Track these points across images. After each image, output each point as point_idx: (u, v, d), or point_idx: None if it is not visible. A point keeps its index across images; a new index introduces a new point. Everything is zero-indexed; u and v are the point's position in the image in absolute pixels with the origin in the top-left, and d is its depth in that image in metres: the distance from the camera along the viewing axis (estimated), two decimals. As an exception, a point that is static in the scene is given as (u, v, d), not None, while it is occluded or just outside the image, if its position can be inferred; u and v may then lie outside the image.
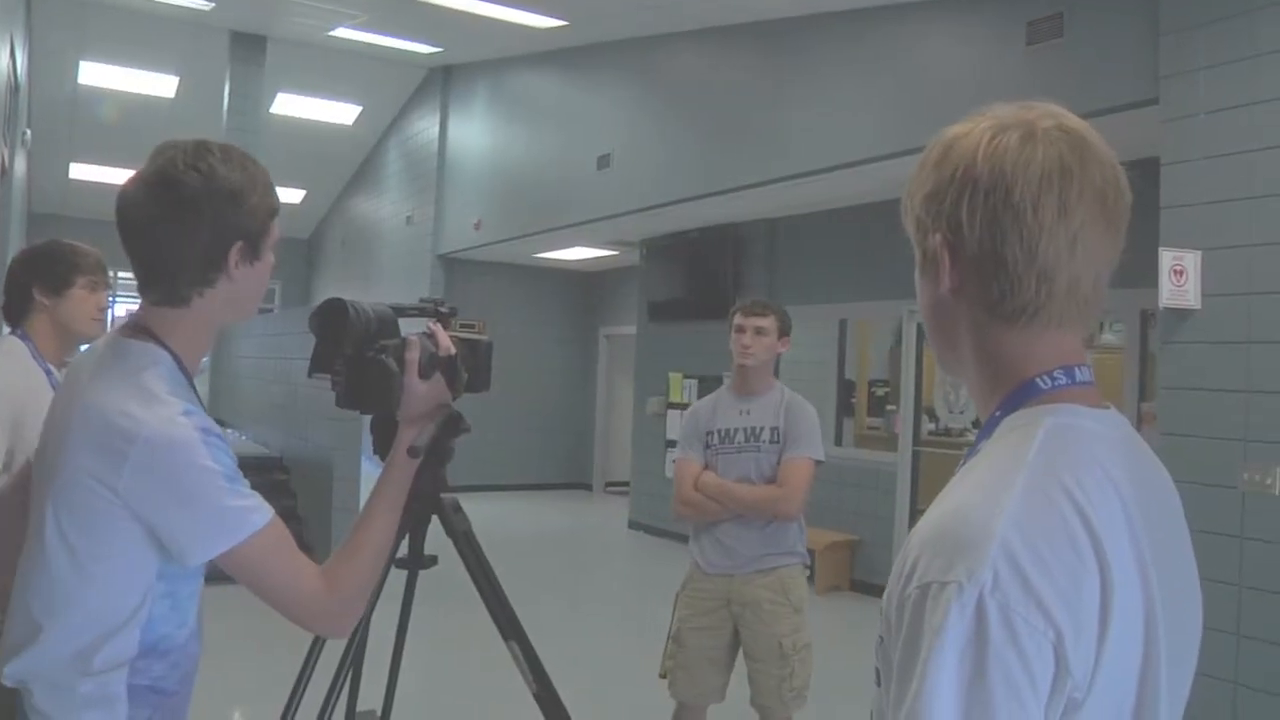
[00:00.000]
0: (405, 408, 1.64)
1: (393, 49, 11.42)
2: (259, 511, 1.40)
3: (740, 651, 3.43)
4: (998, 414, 0.98)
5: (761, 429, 3.40)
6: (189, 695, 1.53)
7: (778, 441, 3.38)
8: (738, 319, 3.48)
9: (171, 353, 1.46)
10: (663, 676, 3.47)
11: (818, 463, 3.38)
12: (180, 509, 1.36)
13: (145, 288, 1.47)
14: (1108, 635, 0.84)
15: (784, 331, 3.50)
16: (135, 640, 1.40)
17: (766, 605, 3.34)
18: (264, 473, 8.35)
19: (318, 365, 1.69)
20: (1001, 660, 0.80)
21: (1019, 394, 0.97)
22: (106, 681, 1.39)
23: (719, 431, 3.45)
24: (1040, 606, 0.82)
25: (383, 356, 1.62)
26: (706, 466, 3.44)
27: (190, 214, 1.40)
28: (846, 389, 9.50)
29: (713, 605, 3.40)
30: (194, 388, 1.49)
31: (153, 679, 1.43)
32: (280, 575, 1.42)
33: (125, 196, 1.42)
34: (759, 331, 3.44)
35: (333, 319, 1.65)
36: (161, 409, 1.37)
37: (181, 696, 1.50)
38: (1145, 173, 4.54)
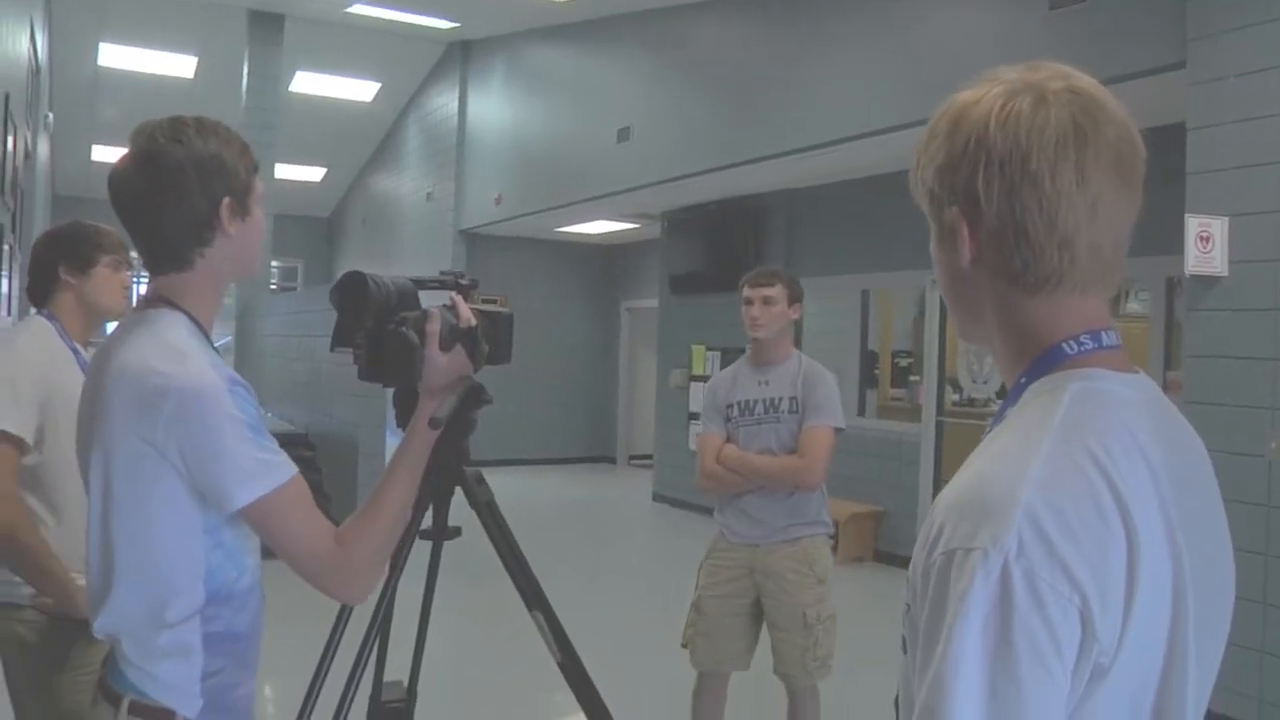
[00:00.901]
0: (426, 379, 1.65)
1: (411, 25, 11.40)
2: (284, 467, 1.48)
3: (764, 622, 3.44)
4: (1023, 380, 0.97)
5: (780, 399, 3.40)
6: (259, 638, 1.62)
7: (797, 411, 3.37)
8: (745, 290, 3.46)
9: (188, 315, 1.55)
10: (684, 646, 3.49)
11: (838, 430, 3.37)
12: (213, 456, 1.43)
13: (151, 259, 1.57)
14: (1134, 601, 0.83)
15: (794, 299, 3.46)
16: (200, 591, 1.49)
17: (790, 575, 3.34)
18: (289, 449, 8.11)
19: (340, 340, 1.70)
20: (1027, 626, 0.80)
21: (1045, 360, 0.96)
22: (181, 632, 1.48)
23: (739, 404, 3.45)
24: (1066, 572, 0.81)
25: (403, 329, 1.63)
26: (728, 439, 3.44)
27: (178, 180, 1.49)
28: (870, 360, 9.47)
29: (735, 574, 3.41)
30: (214, 347, 1.58)
31: (225, 624, 1.52)
32: (298, 532, 1.48)
33: (116, 177, 1.53)
34: (767, 301, 3.41)
35: (353, 292, 1.66)
36: (189, 363, 1.45)
37: (252, 641, 1.59)
38: (1172, 138, 4.49)
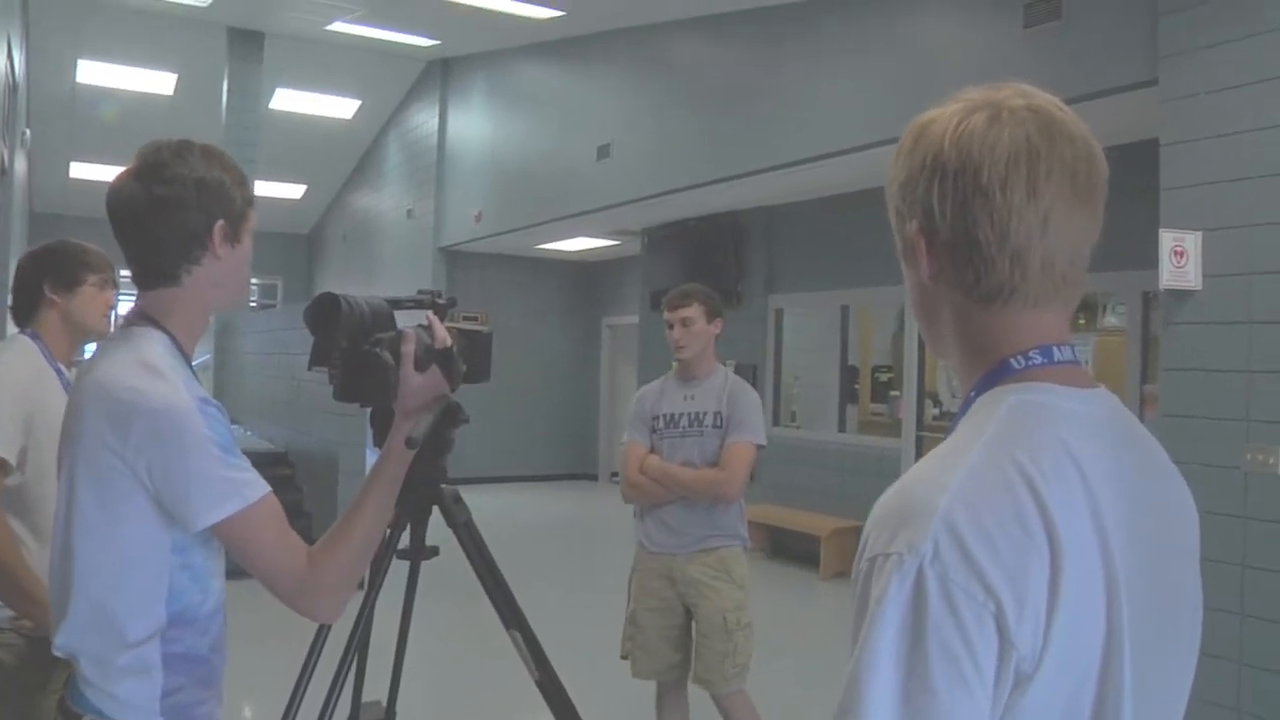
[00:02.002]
0: (402, 400, 1.65)
1: (391, 42, 11.40)
2: (254, 486, 1.48)
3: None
4: (973, 394, 0.99)
5: (705, 414, 3.48)
6: (223, 664, 1.62)
7: (720, 426, 3.46)
8: (665, 314, 3.55)
9: (169, 334, 1.57)
10: (624, 658, 3.58)
11: (759, 447, 3.46)
12: (181, 475, 1.44)
13: (139, 273, 1.59)
14: (1057, 611, 0.84)
15: (713, 314, 3.55)
16: (162, 612, 1.49)
17: (708, 581, 3.43)
18: (269, 468, 8.31)
19: (317, 359, 1.71)
20: (939, 630, 0.81)
21: (994, 374, 0.98)
22: (142, 653, 1.48)
23: (664, 416, 3.54)
24: (980, 578, 0.82)
25: (378, 350, 1.63)
26: (652, 449, 3.53)
27: (178, 194, 1.53)
28: (850, 375, 9.50)
29: (660, 585, 3.50)
30: (191, 368, 1.59)
31: (185, 647, 1.52)
32: (269, 550, 1.49)
33: (116, 190, 1.56)
34: (685, 323, 3.50)
35: (326, 313, 1.66)
36: (161, 382, 1.47)
37: (215, 665, 1.59)
38: (1145, 154, 4.54)
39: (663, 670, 3.52)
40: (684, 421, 3.50)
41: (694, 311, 3.50)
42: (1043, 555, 0.85)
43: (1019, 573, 0.83)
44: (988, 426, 0.91)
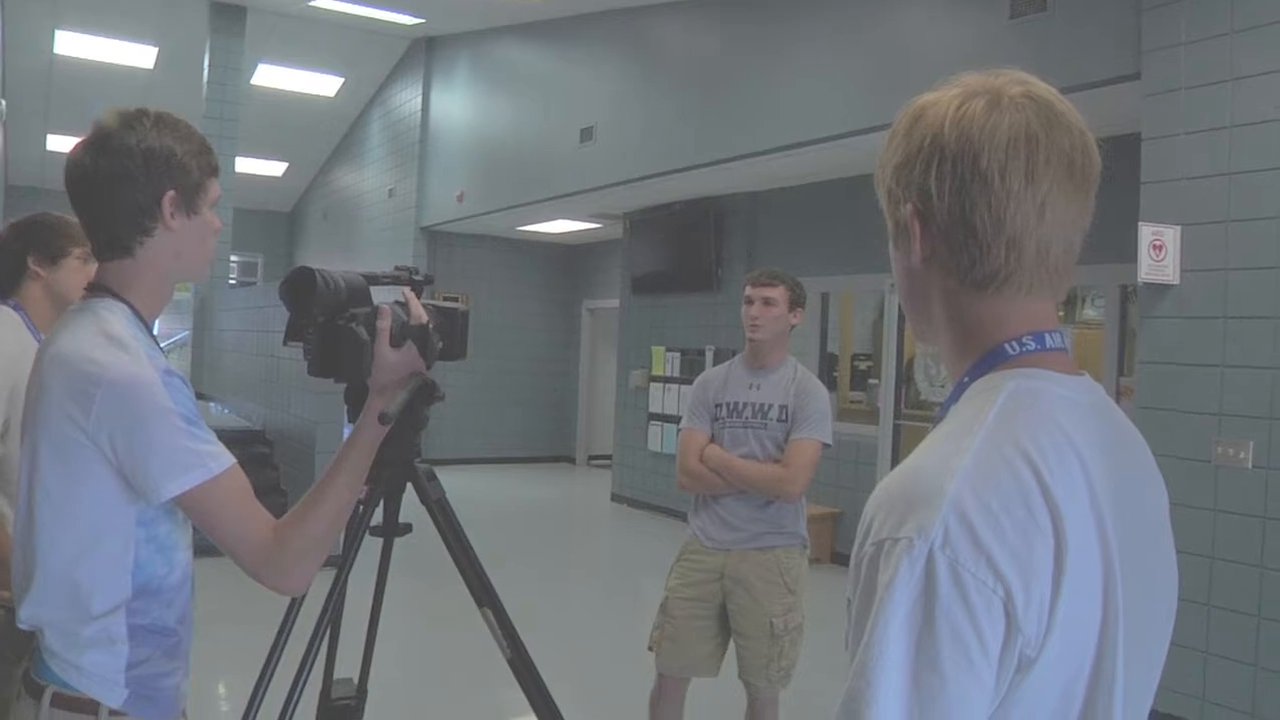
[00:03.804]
0: (376, 375, 1.65)
1: (375, 19, 11.32)
2: (218, 457, 1.48)
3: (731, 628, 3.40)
4: (965, 380, 1.00)
5: (770, 406, 3.34)
6: (190, 635, 1.61)
7: (785, 420, 3.32)
8: (747, 290, 3.41)
9: (130, 305, 1.57)
10: (650, 649, 3.43)
11: (825, 445, 3.33)
12: (143, 447, 1.43)
13: (94, 242, 1.59)
14: (1060, 595, 0.85)
15: (796, 303, 3.41)
16: (127, 584, 1.49)
17: (760, 584, 3.29)
18: (247, 446, 8.31)
19: (292, 334, 1.70)
20: (949, 615, 0.81)
21: (987, 360, 0.98)
22: (107, 625, 1.48)
23: (728, 404, 3.39)
24: (990, 563, 0.83)
25: (353, 325, 1.62)
26: (713, 438, 3.39)
27: (124, 164, 1.52)
28: (829, 363, 9.53)
29: (704, 578, 3.36)
30: (154, 337, 1.59)
31: (151, 619, 1.52)
32: (234, 522, 1.49)
33: (70, 161, 1.55)
34: (767, 302, 3.36)
35: (301, 288, 1.65)
36: (123, 354, 1.46)
37: (181, 636, 1.58)
38: (1127, 148, 4.56)
39: (689, 665, 3.38)
40: (748, 412, 3.35)
41: (778, 294, 3.37)
42: (1047, 540, 0.86)
43: (1025, 557, 0.84)
44: (988, 411, 0.92)
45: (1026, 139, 0.93)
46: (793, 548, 3.37)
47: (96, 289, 1.58)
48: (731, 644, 3.41)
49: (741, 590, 3.31)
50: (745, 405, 3.38)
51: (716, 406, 3.41)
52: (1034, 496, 0.87)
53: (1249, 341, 4.24)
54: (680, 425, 3.52)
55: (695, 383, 3.57)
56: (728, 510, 3.35)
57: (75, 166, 1.54)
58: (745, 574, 3.31)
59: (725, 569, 3.34)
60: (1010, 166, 0.93)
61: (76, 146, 1.56)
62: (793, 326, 3.45)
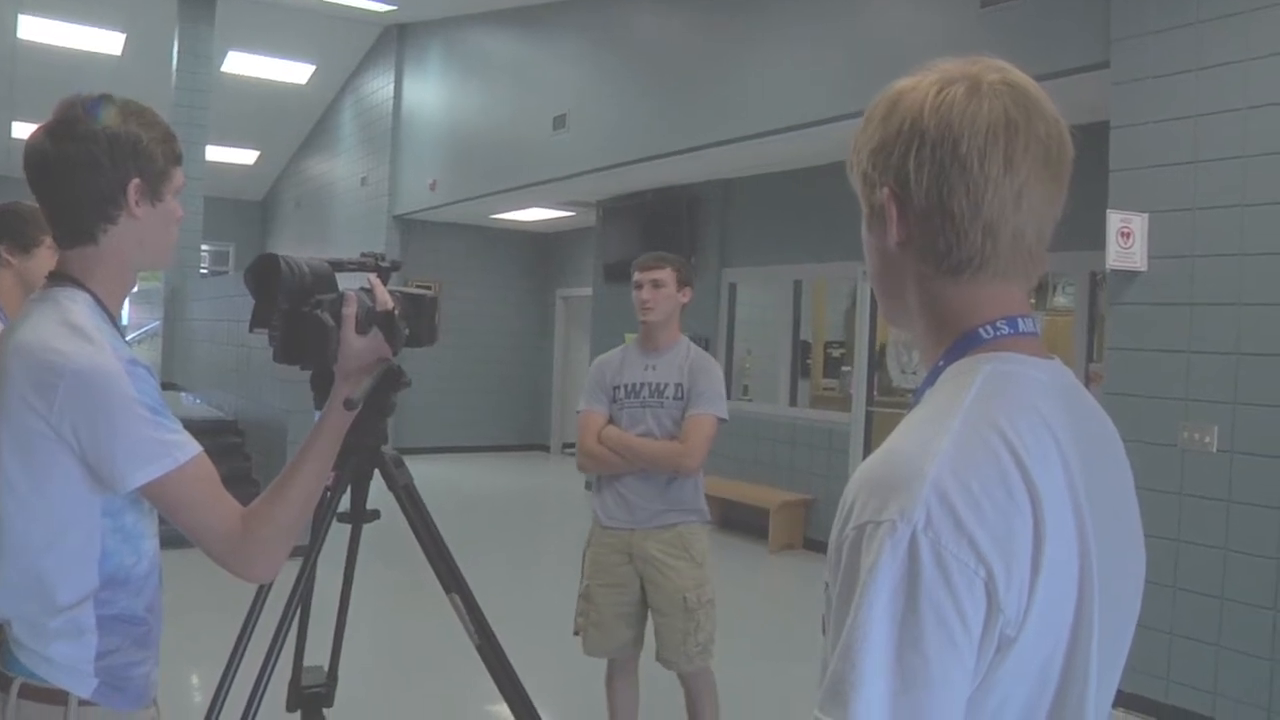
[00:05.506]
0: (342, 362, 1.64)
1: (346, 6, 11.23)
2: (184, 446, 1.46)
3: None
4: (940, 364, 1.00)
5: (666, 385, 3.42)
6: (159, 624, 1.60)
7: (681, 398, 3.40)
8: (635, 274, 3.47)
9: (92, 294, 1.54)
10: (576, 634, 3.51)
11: (720, 420, 3.41)
12: (108, 437, 1.42)
13: (57, 230, 1.57)
14: (1039, 575, 0.86)
15: (684, 282, 3.48)
16: (95, 574, 1.48)
17: (667, 559, 3.38)
18: (219, 436, 8.28)
19: (257, 321, 1.69)
20: (933, 597, 0.82)
21: (962, 344, 0.99)
22: (75, 616, 1.47)
23: (625, 386, 3.47)
24: (972, 545, 0.83)
25: (318, 311, 1.61)
26: (611, 420, 3.47)
27: (88, 151, 1.49)
28: (802, 350, 9.56)
29: (617, 561, 3.43)
30: (116, 326, 1.57)
31: (120, 608, 1.51)
32: (200, 511, 1.48)
33: (30, 147, 1.53)
34: (656, 285, 3.43)
35: (266, 275, 1.64)
36: (86, 343, 1.44)
37: (151, 625, 1.57)
38: (1096, 136, 4.59)
39: (616, 648, 3.46)
40: (645, 392, 3.43)
41: (666, 275, 3.43)
42: (1026, 521, 0.87)
43: (1006, 538, 0.85)
44: (965, 394, 0.93)
45: (1006, 126, 0.94)
46: (693, 523, 3.45)
47: (58, 278, 1.56)
48: (650, 626, 3.47)
49: (651, 568, 3.39)
50: (642, 386, 3.45)
51: (615, 389, 3.48)
52: (1013, 478, 0.88)
53: (1214, 327, 4.29)
54: (578, 408, 3.59)
55: (592, 366, 3.65)
56: (629, 489, 3.42)
57: (36, 152, 1.51)
58: (650, 551, 3.39)
59: (631, 549, 3.41)
60: (990, 153, 0.93)
61: (38, 131, 1.53)
62: (684, 305, 3.52)
